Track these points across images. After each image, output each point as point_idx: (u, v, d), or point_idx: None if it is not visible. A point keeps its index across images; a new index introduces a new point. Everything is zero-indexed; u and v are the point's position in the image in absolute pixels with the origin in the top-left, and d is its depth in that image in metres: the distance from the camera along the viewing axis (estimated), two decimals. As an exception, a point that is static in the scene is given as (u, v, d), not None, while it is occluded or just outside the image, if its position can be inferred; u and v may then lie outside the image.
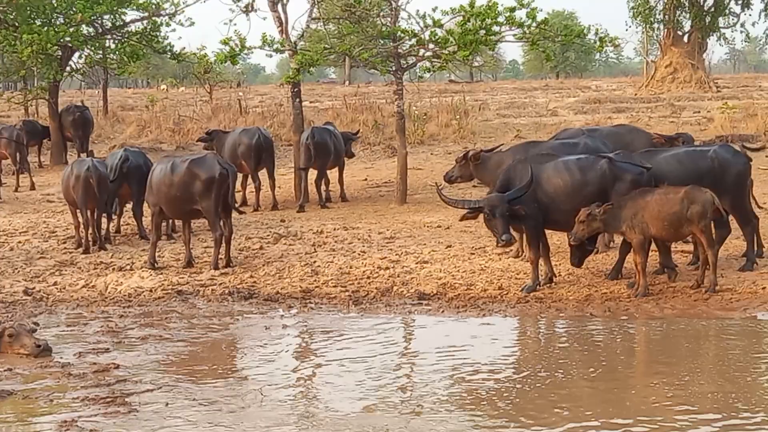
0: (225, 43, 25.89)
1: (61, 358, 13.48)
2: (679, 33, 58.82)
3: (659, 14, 58.31)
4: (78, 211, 20.96)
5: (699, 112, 42.86)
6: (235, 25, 26.80)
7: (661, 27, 59.32)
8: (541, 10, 24.92)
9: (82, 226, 20.96)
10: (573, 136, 20.54)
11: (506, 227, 16.24)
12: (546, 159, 16.86)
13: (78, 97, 58.83)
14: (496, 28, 24.89)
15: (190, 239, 19.64)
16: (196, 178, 18.69)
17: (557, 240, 18.56)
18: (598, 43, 26.54)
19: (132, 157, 21.72)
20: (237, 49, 25.96)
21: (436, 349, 13.84)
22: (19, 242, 21.72)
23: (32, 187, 30.78)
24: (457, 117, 40.67)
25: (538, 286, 16.66)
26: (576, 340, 14.36)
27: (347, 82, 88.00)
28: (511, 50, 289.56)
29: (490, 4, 24.50)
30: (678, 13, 57.86)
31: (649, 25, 59.69)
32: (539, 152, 17.82)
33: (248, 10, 27.58)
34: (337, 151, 26.84)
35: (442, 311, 16.01)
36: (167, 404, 11.42)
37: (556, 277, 17.07)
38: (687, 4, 57.60)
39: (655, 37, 62.27)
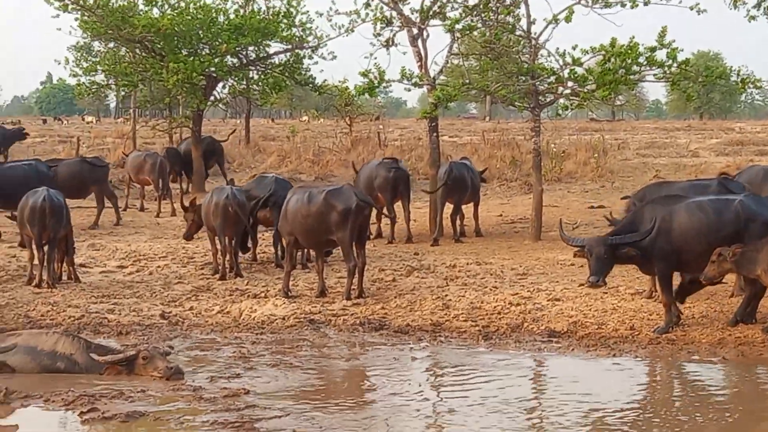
0: (364, 75, 26.17)
1: (193, 381, 13.70)
2: (829, 75, 57.60)
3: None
4: (216, 237, 21.33)
5: None
6: (375, 59, 27.07)
7: (811, 69, 58.14)
8: (682, 50, 24.73)
9: (219, 252, 21.32)
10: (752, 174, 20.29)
11: (599, 269, 16.17)
12: (677, 200, 16.66)
13: (221, 127, 59.80)
14: (636, 68, 24.76)
15: (324, 269, 19.84)
16: (333, 209, 18.86)
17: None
18: (740, 84, 26.20)
19: (280, 188, 22.06)
20: (376, 82, 26.21)
21: (564, 387, 13.75)
22: (158, 267, 22.19)
23: (173, 213, 31.39)
24: (596, 155, 40.43)
25: (671, 329, 16.44)
26: (707, 384, 14.15)
27: (487, 118, 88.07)
28: (654, 90, 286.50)
29: (631, 44, 24.38)
30: (827, 55, 56.67)
31: (797, 67, 58.56)
32: (669, 193, 17.62)
33: (389, 44, 27.88)
34: (474, 186, 26.92)
35: (572, 349, 15.90)
36: (294, 431, 11.53)
37: (682, 315, 16.81)
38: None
39: (802, 79, 61.07)
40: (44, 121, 74.97)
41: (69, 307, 18.53)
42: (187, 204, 23.27)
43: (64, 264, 20.90)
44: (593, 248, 16.22)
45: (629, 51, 24.36)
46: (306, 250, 22.00)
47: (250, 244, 22.74)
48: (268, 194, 22.05)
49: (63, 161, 30.77)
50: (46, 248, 19.92)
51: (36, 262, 20.17)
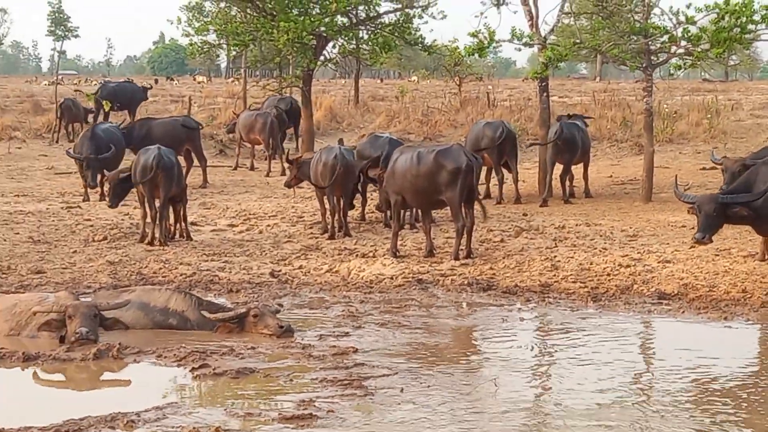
0: (474, 35, 26.02)
1: (302, 339, 13.83)
2: None
3: None
4: (325, 197, 21.43)
5: None
6: (486, 18, 26.88)
7: None
8: (800, 8, 24.19)
9: (328, 212, 21.43)
10: None
11: (707, 226, 16.11)
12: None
13: (330, 87, 59.96)
14: (751, 27, 24.29)
15: (431, 229, 19.85)
16: (443, 168, 18.84)
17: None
18: None
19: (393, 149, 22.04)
20: (486, 42, 26.05)
21: (674, 350, 13.62)
22: (268, 226, 22.41)
23: (283, 173, 31.61)
24: (709, 116, 39.83)
25: (784, 291, 16.21)
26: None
27: (598, 78, 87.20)
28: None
29: (745, 2, 23.92)
30: None
31: None
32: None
33: (499, 3, 27.71)
34: (584, 147, 26.71)
35: (683, 312, 15.74)
36: (402, 389, 11.58)
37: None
38: None
39: None
40: (156, 81, 75.76)
41: (181, 264, 18.82)
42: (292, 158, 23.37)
43: (177, 222, 21.20)
44: (703, 205, 16.11)
45: (744, 9, 23.90)
46: (414, 210, 22.02)
47: (359, 204, 22.83)
48: (382, 155, 22.00)
49: (155, 120, 31.15)
50: (158, 206, 20.22)
51: (148, 220, 20.49)
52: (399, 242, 19.71)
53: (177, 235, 21.11)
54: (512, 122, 32.47)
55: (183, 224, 21.24)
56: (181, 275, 18.07)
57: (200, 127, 31.28)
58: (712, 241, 16.56)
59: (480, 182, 25.16)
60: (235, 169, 33.43)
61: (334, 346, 13.40)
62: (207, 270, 18.48)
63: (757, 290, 16.51)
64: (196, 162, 29.73)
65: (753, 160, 18.58)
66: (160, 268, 18.49)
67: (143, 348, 13.16)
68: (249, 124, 33.47)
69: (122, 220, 22.82)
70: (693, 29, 24.79)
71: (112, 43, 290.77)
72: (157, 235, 20.31)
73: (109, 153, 25.46)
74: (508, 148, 26.16)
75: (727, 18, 24.23)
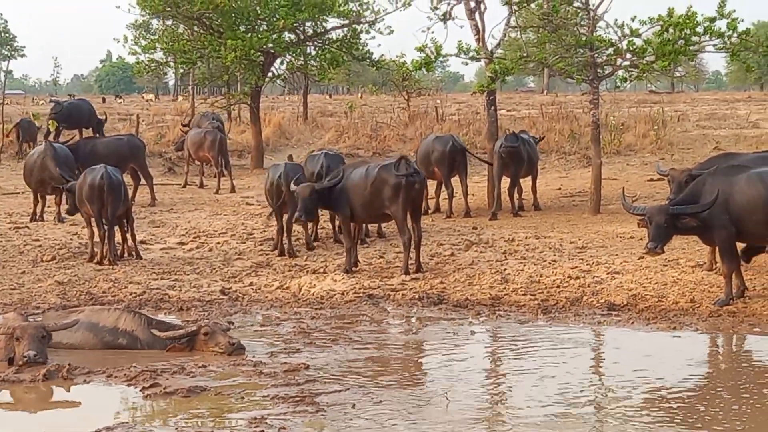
0: (420, 50, 26.08)
1: (253, 356, 13.80)
2: None
3: None
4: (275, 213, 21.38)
5: None
6: (432, 33, 27.02)
7: None
8: (742, 21, 24.43)
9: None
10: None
11: (657, 236, 16.15)
12: (738, 171, 16.55)
13: (279, 103, 59.96)
14: (695, 39, 24.52)
15: (356, 245, 19.92)
16: (386, 182, 18.91)
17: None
18: (801, 54, 25.92)
19: (331, 162, 22.02)
20: (432, 57, 26.12)
21: (624, 360, 13.74)
22: (218, 243, 22.34)
23: (232, 190, 31.60)
24: (655, 128, 40.16)
25: (731, 300, 16.33)
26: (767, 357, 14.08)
27: (545, 91, 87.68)
28: (714, 61, 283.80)
29: (689, 14, 24.14)
30: None
31: None
32: (732, 164, 17.48)
33: (446, 18, 27.76)
34: (531, 160, 26.82)
35: (632, 323, 15.85)
36: (354, 405, 11.58)
37: (748, 290, 16.74)
38: None
39: None
40: (103, 100, 75.42)
41: (130, 283, 18.74)
42: None
43: (125, 241, 21.10)
44: (654, 216, 16.20)
45: (687, 21, 24.11)
46: (366, 225, 22.06)
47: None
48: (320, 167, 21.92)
49: (100, 139, 31.13)
50: (106, 225, 20.12)
51: (97, 239, 20.38)
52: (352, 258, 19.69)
53: (126, 254, 20.99)
54: (461, 136, 32.52)
55: (132, 243, 21.14)
56: (131, 294, 17.98)
57: (144, 145, 31.13)
58: (663, 251, 16.67)
59: (430, 196, 25.33)
60: (184, 186, 33.28)
61: (286, 363, 13.38)
62: (157, 288, 18.41)
63: (705, 300, 16.65)
64: (143, 180, 29.61)
65: (699, 171, 18.75)
66: (110, 288, 18.39)
67: (93, 368, 13.09)
68: (198, 141, 33.34)
69: (71, 239, 22.66)
70: (638, 42, 24.95)
71: (59, 62, 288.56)
72: (106, 254, 20.19)
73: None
74: (458, 161, 26.21)
75: (671, 30, 24.43)
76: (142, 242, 21.94)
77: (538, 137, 30.24)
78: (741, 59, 26.72)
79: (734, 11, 24.19)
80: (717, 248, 17.18)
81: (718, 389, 12.41)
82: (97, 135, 36.35)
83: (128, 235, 21.10)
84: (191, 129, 36.13)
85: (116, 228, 20.52)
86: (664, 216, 16.15)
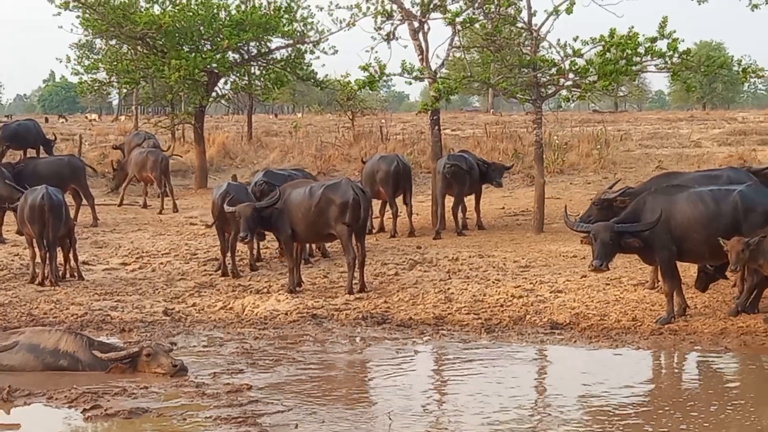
0: (365, 69, 26.12)
1: (196, 377, 13.72)
2: (830, 64, 57.54)
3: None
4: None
5: None
6: (376, 52, 27.07)
7: (812, 58, 57.91)
8: (683, 41, 24.70)
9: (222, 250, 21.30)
10: None
11: (602, 254, 16.19)
12: (678, 190, 16.71)
13: (223, 123, 59.81)
14: (636, 59, 24.75)
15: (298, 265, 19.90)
16: (332, 202, 18.91)
17: (695, 272, 18.40)
18: (741, 74, 26.21)
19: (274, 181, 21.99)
20: (376, 76, 26.17)
21: (566, 378, 13.81)
22: (161, 264, 22.21)
23: (175, 209, 31.46)
24: (598, 147, 40.43)
25: (673, 319, 16.45)
26: (710, 374, 14.16)
27: (491, 111, 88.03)
28: (657, 81, 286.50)
29: (630, 35, 24.37)
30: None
31: (799, 56, 58.18)
32: (672, 184, 17.65)
33: (390, 38, 27.88)
34: (473, 179, 26.88)
35: (575, 341, 15.92)
36: (297, 426, 11.56)
37: (689, 308, 16.87)
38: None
39: (805, 69, 60.69)
40: (46, 120, 74.85)
41: (72, 304, 18.57)
42: None
43: (67, 262, 20.93)
44: (599, 233, 16.27)
45: (628, 41, 24.36)
46: (310, 246, 22.05)
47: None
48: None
49: (41, 159, 30.90)
50: (47, 246, 19.95)
51: (38, 260, 20.20)
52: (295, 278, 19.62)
53: (68, 275, 20.82)
54: (406, 155, 32.56)
55: (74, 264, 20.98)
56: (72, 315, 17.82)
57: (85, 166, 30.91)
58: (609, 269, 16.76)
59: (374, 216, 25.34)
60: (120, 205, 32.91)
61: (228, 384, 13.32)
62: (99, 310, 18.25)
63: (646, 318, 16.76)
64: (85, 200, 29.41)
65: (632, 190, 19.16)
66: (51, 309, 18.21)
67: (33, 390, 12.96)
68: (140, 161, 33.16)
69: (12, 261, 22.44)
70: (580, 62, 25.18)
71: (1, 82, 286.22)
72: (47, 275, 20.02)
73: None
74: (403, 181, 26.26)
75: (612, 50, 24.67)
76: (84, 263, 21.77)
77: (508, 165, 30.28)
78: (682, 79, 26.99)
79: (675, 31, 24.50)
80: (658, 267, 17.30)
81: (662, 407, 12.47)
82: (44, 155, 35.96)
83: (70, 256, 20.93)
84: (125, 149, 36.09)
85: (58, 249, 20.36)
86: (609, 233, 16.23)
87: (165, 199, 32.34)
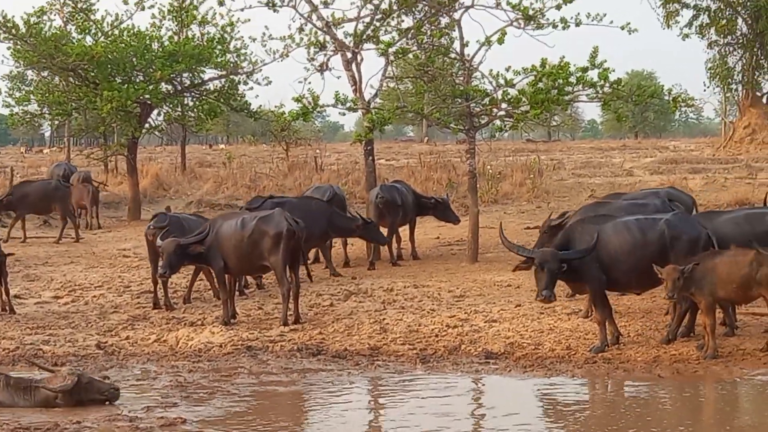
0: (298, 100, 26.14)
1: (129, 411, 13.58)
2: (758, 94, 58.41)
3: (738, 75, 57.76)
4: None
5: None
6: (310, 83, 27.13)
7: (740, 88, 58.78)
8: (614, 71, 24.94)
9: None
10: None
11: (550, 283, 16.14)
12: (606, 219, 16.84)
13: (157, 154, 59.58)
14: (568, 88, 24.94)
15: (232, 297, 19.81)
16: (265, 234, 18.86)
17: (627, 301, 18.52)
18: (672, 103, 26.53)
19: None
20: (310, 107, 26.19)
21: (501, 407, 13.84)
22: (94, 297, 22.04)
23: (77, 240, 31.81)
24: (532, 176, 40.72)
25: (606, 347, 16.53)
26: (643, 403, 14.24)
27: (426, 140, 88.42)
28: (590, 110, 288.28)
29: (561, 65, 24.58)
30: (756, 74, 57.42)
31: (727, 86, 59.03)
32: (599, 213, 17.79)
33: (323, 69, 27.96)
34: (406, 209, 26.91)
35: (509, 371, 15.94)
36: (231, 459, 11.50)
37: (622, 336, 16.96)
38: (766, 66, 57.24)
39: (733, 98, 61.65)
40: (-23, 152, 74.22)
41: (3, 339, 18.32)
42: None
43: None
44: (546, 262, 16.20)
45: (560, 71, 24.55)
46: (245, 277, 21.95)
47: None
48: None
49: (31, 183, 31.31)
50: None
51: (-32, 294, 19.97)
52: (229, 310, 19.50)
53: (0, 309, 20.58)
54: (340, 185, 32.61)
55: (6, 297, 20.73)
56: (3, 350, 17.55)
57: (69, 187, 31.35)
58: (555, 299, 16.73)
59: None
60: (58, 241, 32.67)
61: (162, 418, 13.20)
62: (31, 344, 18.01)
63: (580, 347, 16.82)
64: (15, 233, 29.36)
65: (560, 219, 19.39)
66: (-18, 344, 17.99)
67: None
68: (78, 191, 33.32)
69: (-59, 295, 22.16)
70: (512, 92, 25.34)
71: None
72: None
73: None
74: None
75: (544, 80, 24.85)
76: (15, 296, 21.52)
77: (447, 197, 30.32)
78: (613, 109, 27.27)
79: (605, 61, 24.72)
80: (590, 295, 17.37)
81: (593, 435, 12.55)
82: None
83: (2, 290, 20.69)
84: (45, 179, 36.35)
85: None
86: (558, 262, 16.21)
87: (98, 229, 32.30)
